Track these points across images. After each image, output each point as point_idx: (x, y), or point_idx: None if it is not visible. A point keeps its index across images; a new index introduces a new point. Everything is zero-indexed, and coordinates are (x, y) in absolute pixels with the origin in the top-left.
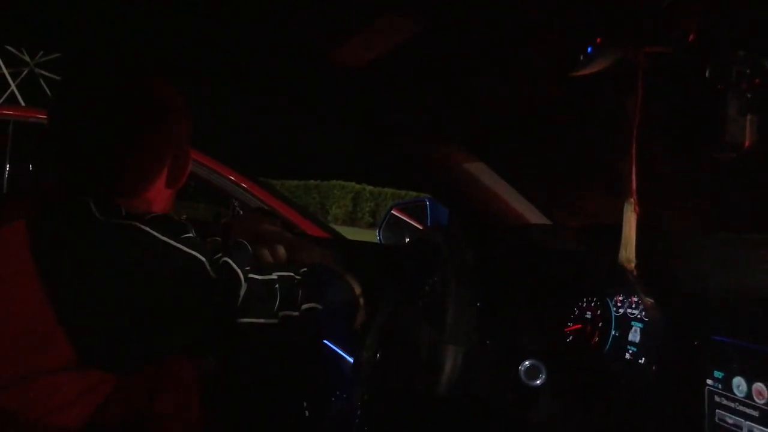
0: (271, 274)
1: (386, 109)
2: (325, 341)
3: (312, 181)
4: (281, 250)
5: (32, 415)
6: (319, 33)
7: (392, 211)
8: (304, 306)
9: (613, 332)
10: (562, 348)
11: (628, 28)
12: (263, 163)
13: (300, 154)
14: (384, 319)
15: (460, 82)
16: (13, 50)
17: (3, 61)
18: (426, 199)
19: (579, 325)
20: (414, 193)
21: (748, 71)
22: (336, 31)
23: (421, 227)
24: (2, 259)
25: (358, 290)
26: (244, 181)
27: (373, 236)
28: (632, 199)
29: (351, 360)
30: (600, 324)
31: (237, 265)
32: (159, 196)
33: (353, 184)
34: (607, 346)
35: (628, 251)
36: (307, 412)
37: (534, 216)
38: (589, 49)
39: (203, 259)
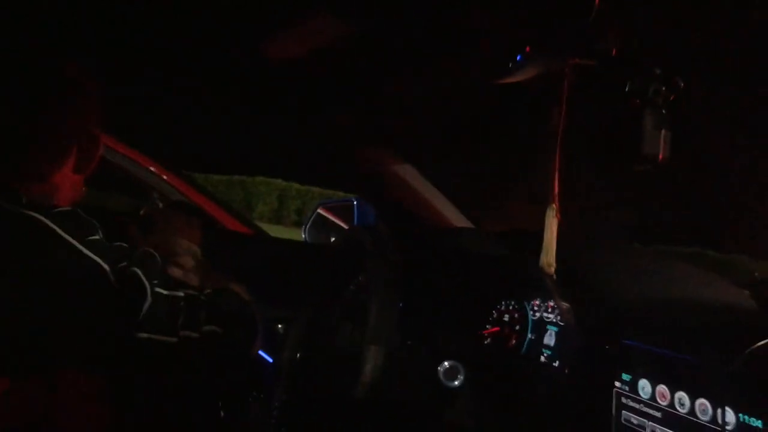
0: (177, 290)
1: (316, 107)
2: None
3: (237, 177)
4: (189, 263)
5: None
6: (249, 25)
7: (318, 210)
8: (205, 328)
9: (529, 335)
10: (481, 350)
11: (557, 39)
12: (186, 155)
13: (225, 148)
14: (307, 319)
15: (390, 83)
16: None
17: None
18: (353, 199)
19: (497, 328)
20: (342, 193)
21: (663, 88)
22: (267, 24)
23: (346, 227)
24: None
25: (258, 315)
26: (165, 172)
27: (299, 235)
28: (554, 206)
29: (270, 360)
30: (517, 327)
31: (145, 278)
32: (66, 182)
33: (280, 181)
34: (524, 349)
35: (548, 256)
36: (222, 413)
37: (458, 219)
38: (519, 57)
39: (106, 267)
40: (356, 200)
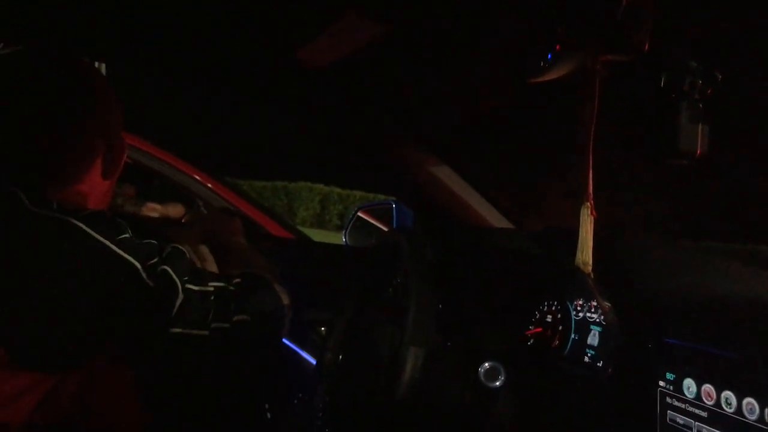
0: (207, 284)
1: (351, 110)
2: (285, 341)
3: (280, 183)
4: (210, 257)
5: None
6: (284, 31)
7: (358, 213)
8: (235, 318)
9: (572, 336)
10: (523, 351)
11: (587, 35)
12: (231, 163)
13: (268, 155)
14: (347, 321)
15: (423, 84)
16: None
17: None
18: (392, 202)
19: (540, 329)
20: (382, 196)
21: (700, 82)
22: (301, 30)
23: (386, 229)
24: None
25: (286, 300)
26: (210, 180)
27: (340, 239)
28: (588, 203)
29: (314, 362)
30: (560, 328)
31: (176, 275)
32: (95, 188)
33: (321, 186)
34: (567, 350)
35: (584, 254)
36: (269, 415)
37: (497, 219)
38: (549, 56)
39: (138, 265)
40: (395, 203)
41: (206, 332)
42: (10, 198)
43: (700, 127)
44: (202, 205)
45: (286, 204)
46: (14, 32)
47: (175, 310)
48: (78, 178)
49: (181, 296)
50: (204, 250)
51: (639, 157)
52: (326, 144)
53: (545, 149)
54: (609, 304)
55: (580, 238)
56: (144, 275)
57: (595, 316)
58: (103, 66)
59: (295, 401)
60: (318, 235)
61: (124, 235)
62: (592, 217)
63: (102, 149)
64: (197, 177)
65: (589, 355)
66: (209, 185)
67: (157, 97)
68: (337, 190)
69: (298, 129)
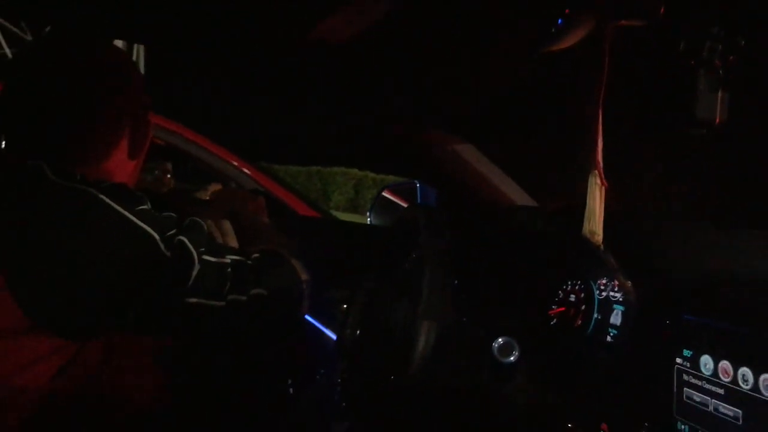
0: (224, 256)
1: (372, 90)
2: (308, 318)
3: (314, 168)
4: (231, 233)
5: None
6: (298, 8)
7: (383, 193)
8: (252, 291)
9: (595, 315)
10: (546, 330)
11: None
12: (268, 148)
13: (304, 140)
14: (366, 297)
15: (441, 62)
16: (14, 29)
17: (5, 40)
18: (416, 182)
19: (563, 308)
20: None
21: (720, 47)
22: (315, 7)
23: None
24: None
25: (305, 276)
26: (246, 165)
27: None
28: (596, 172)
29: (335, 338)
30: (583, 307)
31: (192, 245)
32: (121, 167)
33: (356, 170)
34: (590, 329)
35: (592, 224)
36: (291, 390)
37: (521, 198)
38: (559, 21)
39: (156, 235)
40: (419, 182)
41: (222, 303)
42: (34, 170)
43: (719, 94)
44: (235, 186)
45: (321, 189)
46: (42, 16)
47: (191, 280)
48: (104, 157)
49: (197, 267)
50: (226, 225)
51: (655, 127)
52: (352, 126)
53: (569, 126)
54: (630, 283)
55: (587, 207)
56: (162, 246)
57: (618, 295)
58: (142, 48)
59: (318, 378)
60: (351, 220)
61: (143, 207)
62: (603, 187)
63: (128, 129)
64: (235, 163)
65: (611, 334)
66: (245, 170)
67: (198, 85)
68: (372, 175)
69: (331, 113)
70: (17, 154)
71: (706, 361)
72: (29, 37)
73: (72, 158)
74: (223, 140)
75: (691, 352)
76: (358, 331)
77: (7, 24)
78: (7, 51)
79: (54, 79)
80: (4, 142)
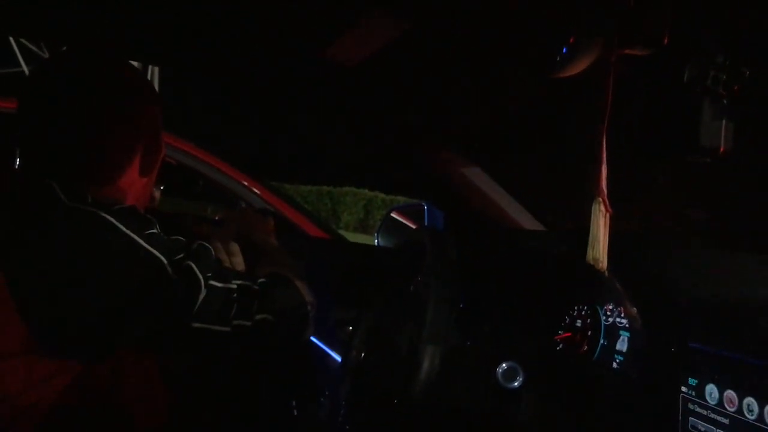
0: (231, 281)
1: (380, 111)
2: (313, 339)
3: (325, 187)
4: (239, 254)
5: None
6: (311, 29)
7: (391, 214)
8: (257, 316)
9: (602, 341)
10: (551, 355)
11: (602, 27)
12: (277, 167)
13: (314, 160)
14: (372, 319)
15: (452, 84)
16: (32, 47)
17: (23, 58)
18: (423, 203)
19: (569, 333)
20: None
21: (724, 77)
22: (328, 27)
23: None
24: None
25: (310, 299)
26: (255, 185)
27: None
28: (600, 199)
29: (339, 359)
30: (589, 333)
31: (199, 271)
32: (133, 185)
33: (366, 191)
34: (596, 355)
35: (596, 251)
36: (295, 411)
37: (528, 221)
38: (564, 50)
39: (163, 259)
40: (426, 204)
41: (228, 329)
42: (45, 190)
43: (724, 123)
44: (244, 205)
45: (331, 208)
46: (56, 33)
47: (197, 305)
48: (117, 175)
49: (204, 291)
50: (235, 247)
51: (661, 155)
52: (362, 147)
53: (577, 150)
54: (635, 309)
55: (591, 234)
56: (169, 269)
57: (624, 321)
58: (156, 70)
59: (322, 399)
60: (361, 240)
61: (151, 230)
62: (608, 214)
63: (140, 147)
64: (245, 183)
65: (617, 360)
66: (255, 190)
67: (209, 104)
68: (381, 195)
69: (343, 133)
70: (31, 171)
71: (712, 390)
72: (46, 55)
73: (85, 176)
74: (234, 159)
75: (696, 381)
76: (363, 353)
77: (24, 41)
78: (25, 68)
79: (69, 97)
80: (18, 159)
